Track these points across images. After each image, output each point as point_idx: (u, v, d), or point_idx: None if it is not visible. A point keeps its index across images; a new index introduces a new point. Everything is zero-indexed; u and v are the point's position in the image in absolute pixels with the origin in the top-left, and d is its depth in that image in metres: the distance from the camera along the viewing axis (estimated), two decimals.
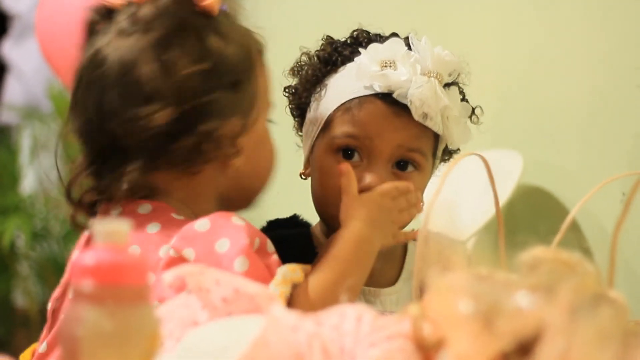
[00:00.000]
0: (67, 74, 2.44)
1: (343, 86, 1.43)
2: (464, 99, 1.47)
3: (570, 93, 1.84)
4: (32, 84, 3.35)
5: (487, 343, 0.82)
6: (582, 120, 1.82)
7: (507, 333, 0.82)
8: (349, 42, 1.47)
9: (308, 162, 1.48)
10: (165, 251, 1.22)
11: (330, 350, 0.87)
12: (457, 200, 1.00)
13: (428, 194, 1.42)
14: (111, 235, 0.82)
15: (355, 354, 0.87)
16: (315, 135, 1.45)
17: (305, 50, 1.50)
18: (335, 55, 1.46)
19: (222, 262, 1.19)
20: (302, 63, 1.50)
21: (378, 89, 1.39)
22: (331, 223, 1.42)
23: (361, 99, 1.40)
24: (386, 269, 1.46)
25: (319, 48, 1.49)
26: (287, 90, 1.51)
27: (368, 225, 1.35)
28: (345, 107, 1.41)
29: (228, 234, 1.22)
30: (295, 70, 1.50)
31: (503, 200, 1.76)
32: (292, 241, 1.42)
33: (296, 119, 1.51)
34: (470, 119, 1.48)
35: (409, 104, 1.37)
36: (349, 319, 0.90)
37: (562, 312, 0.82)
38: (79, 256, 0.82)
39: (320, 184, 1.44)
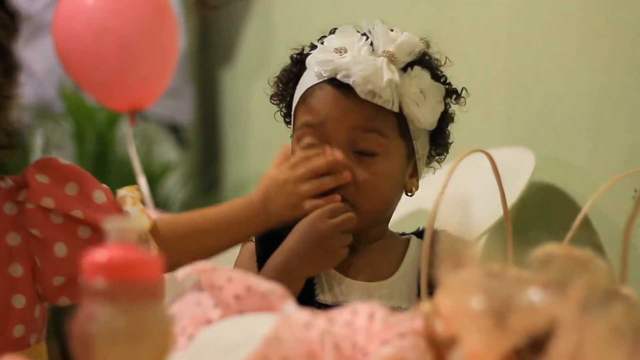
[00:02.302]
0: (81, 75, 2.47)
1: (304, 80, 1.46)
2: (439, 81, 1.46)
3: (582, 90, 1.84)
4: (44, 84, 3.35)
5: (500, 339, 0.81)
6: (594, 117, 1.81)
7: (519, 329, 0.82)
8: (318, 39, 1.50)
9: None
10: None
11: (342, 347, 0.87)
12: (469, 197, 1.00)
13: (434, 190, 1.42)
14: (123, 233, 0.82)
15: (368, 350, 0.87)
16: (292, 133, 1.49)
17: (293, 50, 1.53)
18: (303, 53, 1.50)
19: None
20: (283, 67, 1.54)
21: (325, 75, 1.42)
22: None
23: (314, 87, 1.44)
24: (384, 264, 1.47)
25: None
26: (272, 99, 1.54)
27: (261, 200, 1.44)
28: (302, 99, 1.45)
29: None
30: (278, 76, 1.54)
31: (515, 197, 1.76)
32: (283, 234, 1.44)
33: (287, 124, 1.55)
34: (451, 101, 1.48)
35: (352, 83, 1.39)
36: (362, 316, 0.90)
37: (575, 308, 0.82)
38: (91, 253, 0.82)
39: None
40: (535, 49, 1.97)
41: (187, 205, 3.67)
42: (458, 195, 0.94)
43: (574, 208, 1.81)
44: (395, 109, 1.41)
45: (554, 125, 1.89)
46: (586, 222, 1.73)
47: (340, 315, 0.90)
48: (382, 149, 1.42)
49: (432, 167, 1.52)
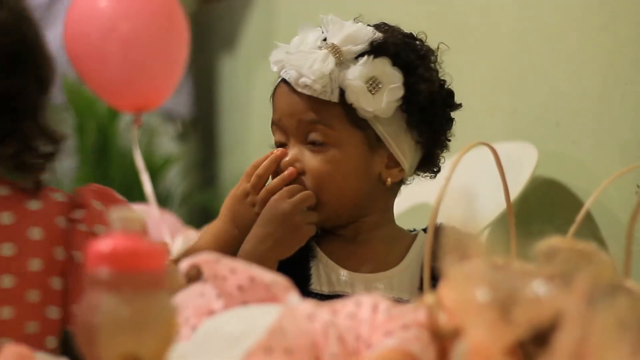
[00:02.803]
0: (89, 74, 2.48)
1: None
2: (410, 67, 1.45)
3: (585, 84, 1.83)
4: None
5: (504, 331, 0.81)
6: (597, 111, 1.81)
7: (524, 321, 0.82)
8: None
9: None
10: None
11: (346, 339, 0.87)
12: (472, 190, 1.00)
13: (437, 184, 1.42)
14: (127, 222, 0.82)
15: (371, 342, 0.87)
16: None
17: None
18: None
19: None
20: None
21: (276, 72, 1.47)
22: None
23: (276, 87, 1.49)
24: (387, 255, 1.47)
25: None
26: None
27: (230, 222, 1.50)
28: (272, 99, 1.51)
29: None
30: None
31: (517, 192, 1.76)
32: None
33: None
34: (420, 84, 1.45)
35: (287, 78, 1.44)
36: (365, 307, 0.90)
37: (579, 300, 0.82)
38: (95, 243, 0.82)
39: None
40: (539, 44, 1.96)
41: (187, 199, 3.67)
42: (462, 187, 0.94)
43: (577, 203, 1.81)
44: (335, 99, 1.42)
45: (558, 119, 1.89)
46: (588, 216, 1.73)
47: (344, 307, 0.91)
48: (329, 139, 1.44)
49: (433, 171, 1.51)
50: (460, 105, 1.49)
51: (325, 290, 1.44)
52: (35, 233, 1.25)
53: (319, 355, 0.85)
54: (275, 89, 1.49)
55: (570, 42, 1.88)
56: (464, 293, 0.84)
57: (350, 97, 1.41)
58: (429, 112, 1.46)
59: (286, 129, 1.46)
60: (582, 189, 1.82)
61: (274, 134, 1.49)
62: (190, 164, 3.85)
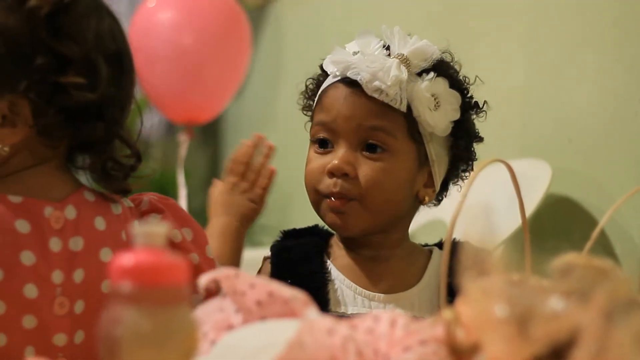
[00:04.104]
0: (146, 86, 2.50)
1: (322, 85, 1.50)
2: (459, 92, 1.47)
3: (598, 101, 1.84)
4: None
5: (522, 347, 0.82)
6: (610, 128, 1.81)
7: (541, 337, 0.82)
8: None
9: None
10: None
11: (364, 354, 0.88)
12: (487, 206, 1.00)
13: (452, 200, 1.43)
14: (149, 237, 0.83)
15: (389, 357, 0.88)
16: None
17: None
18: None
19: None
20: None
21: (337, 74, 1.45)
22: (314, 209, 1.51)
23: (328, 87, 1.47)
24: (407, 274, 1.47)
25: None
26: (303, 110, 1.57)
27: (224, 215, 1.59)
28: (318, 100, 1.49)
29: None
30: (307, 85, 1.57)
31: (531, 209, 1.76)
32: (297, 250, 1.45)
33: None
34: (472, 113, 1.49)
35: (359, 80, 1.41)
36: (383, 322, 0.91)
37: (597, 316, 0.82)
38: (118, 257, 0.83)
39: (305, 174, 1.50)
40: (551, 60, 1.97)
41: (198, 215, 3.68)
42: (479, 203, 0.94)
43: (590, 220, 1.81)
44: (403, 109, 1.42)
45: (570, 136, 1.90)
46: (602, 234, 1.74)
47: (362, 322, 0.91)
48: (388, 147, 1.44)
49: (458, 184, 1.52)
50: (481, 138, 1.51)
51: (344, 310, 1.44)
52: (124, 236, 1.27)
53: None
54: (326, 89, 1.47)
55: (583, 58, 1.89)
56: (481, 309, 0.84)
57: (417, 110, 1.42)
58: (471, 140, 1.48)
59: (339, 130, 1.45)
60: (596, 207, 1.82)
61: (316, 133, 1.47)
62: (202, 180, 3.86)
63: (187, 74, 2.45)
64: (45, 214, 1.22)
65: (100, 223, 1.26)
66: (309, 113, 1.54)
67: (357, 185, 1.43)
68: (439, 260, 1.49)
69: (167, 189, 2.72)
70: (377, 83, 1.40)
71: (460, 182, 1.50)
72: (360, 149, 1.44)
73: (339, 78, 1.45)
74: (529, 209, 1.75)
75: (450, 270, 1.00)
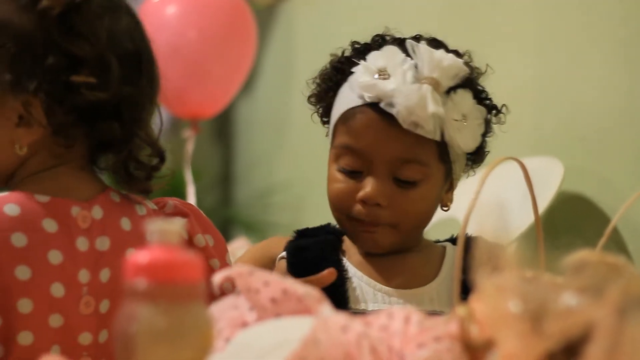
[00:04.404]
0: None
1: (344, 96, 1.45)
2: (482, 101, 1.46)
3: (610, 99, 1.84)
4: None
5: (536, 343, 0.82)
6: (623, 126, 1.81)
7: (555, 333, 0.82)
8: (360, 48, 1.49)
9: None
10: None
11: (378, 350, 0.88)
12: (500, 204, 1.01)
13: (464, 198, 1.43)
14: (164, 234, 0.83)
15: (404, 354, 0.88)
16: (330, 144, 1.49)
17: (332, 56, 1.52)
18: (344, 63, 1.47)
19: None
20: (323, 70, 1.53)
21: (368, 99, 1.40)
22: (339, 224, 1.49)
23: (356, 109, 1.42)
24: (423, 270, 1.48)
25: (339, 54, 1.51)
26: (310, 100, 1.54)
27: None
28: (344, 118, 1.44)
29: None
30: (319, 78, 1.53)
31: (544, 207, 1.76)
32: (313, 248, 1.45)
33: (325, 125, 1.54)
34: (492, 119, 1.48)
35: (395, 114, 1.38)
36: (398, 319, 0.91)
37: (610, 312, 0.82)
38: (133, 255, 0.83)
39: (328, 190, 1.48)
40: (563, 58, 1.97)
41: (210, 214, 3.69)
42: (493, 200, 0.94)
43: (602, 217, 1.81)
44: (437, 138, 1.40)
45: (582, 134, 1.90)
46: (615, 231, 1.74)
47: (377, 319, 0.91)
48: (423, 177, 1.43)
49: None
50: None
51: (365, 308, 1.44)
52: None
53: None
54: (354, 112, 1.42)
55: (594, 56, 1.89)
56: (495, 305, 0.84)
57: (449, 135, 1.40)
58: (484, 145, 1.48)
59: (370, 159, 1.42)
60: (608, 204, 1.82)
61: (340, 157, 1.44)
62: (214, 180, 3.87)
63: (191, 69, 2.45)
64: (73, 213, 1.23)
65: (126, 224, 1.27)
66: (318, 106, 1.53)
67: (390, 214, 1.43)
68: (453, 255, 1.49)
69: (175, 186, 2.73)
70: (414, 119, 1.37)
71: (470, 179, 1.51)
72: (392, 177, 1.42)
73: (367, 102, 1.41)
74: (541, 207, 1.75)
75: (464, 266, 1.00)
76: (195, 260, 0.83)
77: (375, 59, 1.42)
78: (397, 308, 0.93)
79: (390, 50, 1.42)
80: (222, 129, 3.93)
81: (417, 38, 1.47)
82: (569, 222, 1.91)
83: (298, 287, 0.95)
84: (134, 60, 1.26)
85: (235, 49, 2.56)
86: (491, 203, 0.92)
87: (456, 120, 1.40)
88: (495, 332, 0.85)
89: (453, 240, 1.52)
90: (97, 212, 1.25)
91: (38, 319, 1.18)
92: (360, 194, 1.42)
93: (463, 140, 1.41)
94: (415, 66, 1.40)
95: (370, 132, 1.41)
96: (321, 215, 1.57)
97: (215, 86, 2.54)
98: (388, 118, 1.39)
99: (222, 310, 0.98)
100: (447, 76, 1.40)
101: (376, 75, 1.40)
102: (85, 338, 1.22)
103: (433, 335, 0.89)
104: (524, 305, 0.83)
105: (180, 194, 2.57)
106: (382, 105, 1.39)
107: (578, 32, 1.94)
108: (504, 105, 1.48)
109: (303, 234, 1.53)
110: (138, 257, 0.83)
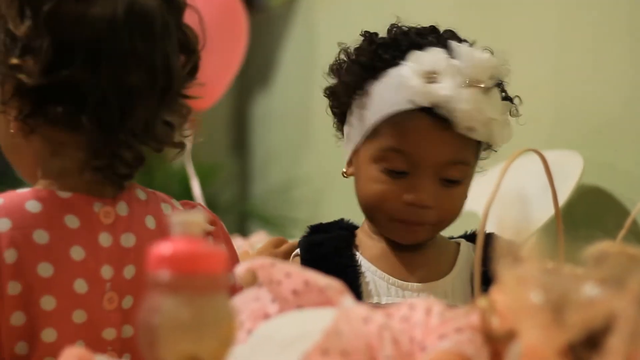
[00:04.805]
0: None
1: (387, 97, 1.42)
2: (505, 97, 1.47)
3: (629, 92, 1.84)
4: None
5: (557, 334, 0.82)
6: None
7: (576, 324, 0.82)
8: (388, 43, 1.47)
9: (351, 163, 1.51)
10: None
11: (400, 341, 0.88)
12: (521, 195, 1.01)
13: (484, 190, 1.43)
14: (187, 226, 0.84)
15: (425, 344, 0.88)
16: (361, 142, 1.46)
17: (343, 46, 1.51)
18: (375, 60, 1.45)
19: None
20: (341, 62, 1.51)
21: (423, 104, 1.39)
22: (373, 222, 1.49)
23: (406, 113, 1.40)
24: (438, 265, 1.49)
25: (358, 46, 1.50)
26: (327, 91, 1.53)
27: None
28: (391, 120, 1.42)
29: None
30: (335, 70, 1.52)
31: (563, 200, 1.76)
32: (327, 244, 1.46)
33: (336, 119, 1.53)
34: (510, 113, 1.48)
35: (454, 119, 1.38)
36: (419, 311, 0.91)
37: (632, 303, 0.82)
38: (156, 246, 0.84)
39: (364, 190, 1.46)
40: (582, 52, 1.97)
41: (230, 208, 3.70)
42: (514, 192, 0.95)
43: (622, 211, 1.81)
44: (485, 139, 1.43)
45: (601, 127, 1.89)
46: (634, 223, 1.73)
47: (398, 310, 0.92)
48: (465, 176, 1.45)
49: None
50: None
51: (377, 301, 1.44)
52: None
53: (374, 357, 0.86)
54: (404, 116, 1.40)
55: (613, 49, 1.88)
56: (517, 296, 0.85)
57: (495, 134, 1.42)
58: None
59: (417, 160, 1.41)
60: (627, 197, 1.82)
61: (386, 160, 1.43)
62: (233, 173, 3.88)
63: None
64: (95, 209, 1.23)
65: (150, 222, 1.27)
66: (334, 100, 1.51)
67: (435, 213, 1.44)
68: (467, 251, 1.50)
69: (180, 180, 2.73)
70: (471, 123, 1.39)
71: (488, 172, 1.51)
72: (438, 178, 1.43)
73: (420, 106, 1.40)
74: (561, 200, 1.74)
75: (483, 259, 1.01)
76: (217, 252, 0.84)
77: (419, 60, 1.41)
78: (418, 299, 0.94)
79: (435, 52, 1.42)
80: (240, 124, 3.94)
81: (450, 33, 1.48)
82: (588, 215, 1.91)
83: (320, 278, 0.96)
84: (90, 48, 1.19)
85: (227, 40, 2.55)
86: (512, 195, 0.93)
87: (496, 118, 1.41)
88: (516, 323, 0.85)
89: (467, 237, 1.53)
90: (122, 209, 1.25)
91: (61, 316, 1.18)
92: (410, 197, 1.42)
93: (503, 137, 1.44)
94: (460, 68, 1.40)
95: (423, 137, 1.41)
96: (340, 209, 1.58)
97: (208, 79, 2.54)
98: (440, 122, 1.39)
99: (243, 302, 0.99)
100: (488, 77, 1.41)
101: (425, 79, 1.39)
102: (109, 333, 1.22)
103: (454, 327, 0.89)
104: (546, 296, 0.83)
105: (185, 187, 2.57)
106: (439, 111, 1.39)
107: (597, 26, 1.93)
108: (517, 96, 1.48)
109: (316, 230, 1.53)
110: (161, 248, 0.83)
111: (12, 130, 1.23)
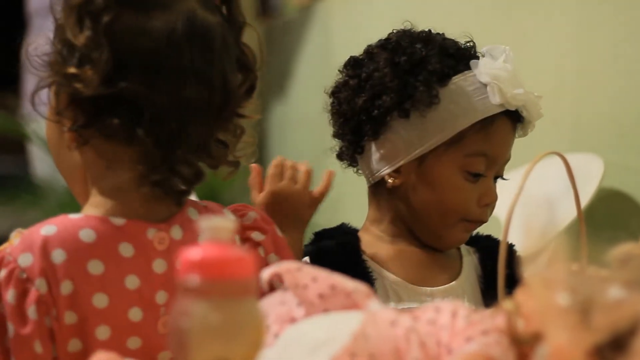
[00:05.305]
0: None
1: (473, 103, 1.44)
2: None
3: None
4: None
5: (584, 336, 0.83)
6: None
7: (603, 326, 0.83)
8: (453, 52, 1.48)
9: (399, 172, 1.48)
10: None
11: (427, 344, 0.89)
12: (544, 199, 1.02)
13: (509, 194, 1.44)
14: (216, 231, 0.85)
15: (452, 347, 0.89)
16: (427, 149, 1.46)
17: (371, 49, 1.51)
18: (445, 68, 1.45)
19: None
20: (381, 70, 1.47)
21: (511, 107, 1.44)
22: (425, 227, 1.49)
23: (494, 118, 1.45)
24: (447, 269, 1.51)
25: (412, 52, 1.47)
26: (355, 105, 1.50)
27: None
28: (479, 125, 1.45)
29: None
30: (377, 78, 1.48)
31: (584, 203, 1.75)
32: (337, 251, 1.46)
33: (368, 125, 1.49)
34: None
35: (531, 119, 1.47)
36: (445, 314, 0.92)
37: None
38: (185, 251, 0.85)
39: (440, 199, 1.47)
40: (602, 53, 1.97)
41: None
42: (537, 196, 0.95)
43: None
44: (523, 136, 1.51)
45: (622, 130, 1.89)
46: None
47: (424, 313, 0.92)
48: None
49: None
50: None
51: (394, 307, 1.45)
52: None
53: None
54: (493, 120, 1.45)
55: (634, 52, 1.88)
56: (543, 298, 0.85)
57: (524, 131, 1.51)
58: None
59: (495, 163, 1.48)
60: None
61: (473, 163, 1.46)
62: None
63: None
64: (149, 235, 1.21)
65: (176, 232, 1.24)
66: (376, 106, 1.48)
67: (490, 211, 1.50)
68: (468, 255, 1.54)
69: None
70: (534, 122, 1.48)
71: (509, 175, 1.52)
72: (493, 177, 1.50)
73: (504, 110, 1.46)
74: (582, 203, 1.74)
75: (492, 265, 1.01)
76: (247, 257, 0.84)
77: (490, 66, 1.45)
78: (443, 302, 0.94)
79: (490, 59, 1.47)
80: (256, 128, 3.95)
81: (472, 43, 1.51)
82: (609, 218, 1.90)
83: (346, 282, 0.96)
84: (147, 60, 1.18)
85: None
86: (536, 199, 0.93)
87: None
88: (543, 325, 0.86)
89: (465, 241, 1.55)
90: (176, 233, 1.23)
91: (116, 343, 1.17)
92: (488, 198, 1.48)
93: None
94: (514, 72, 1.46)
95: (506, 139, 1.48)
96: (357, 215, 1.58)
97: None
98: (514, 123, 1.48)
99: (270, 306, 0.99)
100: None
101: (504, 84, 1.44)
102: (164, 356, 1.20)
103: (481, 329, 0.89)
104: (572, 298, 0.83)
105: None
106: (523, 114, 1.47)
107: (617, 27, 1.93)
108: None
109: (321, 236, 1.53)
110: (191, 254, 0.84)
111: (66, 142, 1.22)
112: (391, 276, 1.46)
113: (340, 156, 1.55)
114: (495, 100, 1.43)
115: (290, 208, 1.52)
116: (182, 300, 0.84)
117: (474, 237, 1.54)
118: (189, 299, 0.83)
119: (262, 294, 1.02)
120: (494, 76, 1.43)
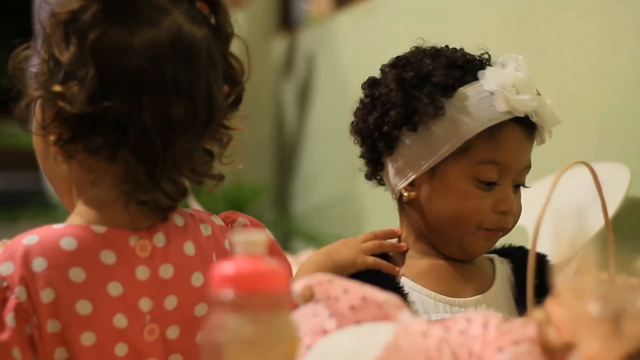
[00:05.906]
0: None
1: (480, 111, 1.44)
2: None
3: None
4: None
5: (616, 345, 0.83)
6: None
7: (635, 335, 0.83)
8: (461, 64, 1.47)
9: (414, 184, 1.48)
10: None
11: (459, 355, 0.90)
12: (571, 209, 1.02)
13: (532, 203, 1.44)
14: (249, 246, 0.86)
15: (484, 357, 0.90)
16: (436, 161, 1.46)
17: (384, 67, 1.51)
18: (451, 80, 1.46)
19: None
20: (388, 86, 1.48)
21: (519, 114, 1.43)
22: (445, 238, 1.48)
23: (501, 125, 1.44)
24: (479, 280, 1.50)
25: (417, 66, 1.48)
26: (370, 123, 1.50)
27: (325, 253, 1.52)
28: (487, 133, 1.44)
29: None
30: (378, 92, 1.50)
31: (611, 213, 1.75)
32: (367, 270, 1.48)
33: (382, 142, 1.50)
34: None
35: (543, 127, 1.46)
36: (476, 324, 0.92)
37: None
38: (219, 266, 0.86)
39: (454, 208, 1.46)
40: (626, 63, 1.96)
41: (272, 227, 3.72)
42: (565, 206, 0.96)
43: None
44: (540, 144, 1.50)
45: None
46: None
47: (455, 324, 0.93)
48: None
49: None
50: None
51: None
52: (214, 257, 1.26)
53: None
54: (501, 127, 1.45)
55: None
56: (575, 307, 0.86)
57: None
58: None
59: (511, 171, 1.46)
60: None
61: (483, 171, 1.45)
62: (276, 194, 3.90)
63: None
64: (131, 243, 1.21)
65: (189, 248, 1.25)
66: (389, 120, 1.48)
67: (512, 219, 1.48)
68: (502, 266, 1.52)
69: None
70: (550, 129, 1.47)
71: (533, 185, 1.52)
72: (513, 185, 1.48)
73: (513, 117, 1.44)
74: (609, 213, 1.74)
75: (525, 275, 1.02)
76: (279, 270, 0.85)
77: (498, 76, 1.45)
78: (475, 312, 0.95)
79: (507, 66, 1.47)
80: (279, 143, 3.96)
81: (486, 56, 1.51)
82: (636, 227, 1.90)
83: (377, 294, 0.97)
84: (134, 79, 1.18)
85: None
86: (566, 208, 0.94)
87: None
88: (575, 334, 0.86)
89: (497, 252, 1.55)
90: (159, 240, 1.23)
91: (103, 350, 1.18)
92: (504, 205, 1.45)
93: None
94: (526, 79, 1.45)
95: (516, 146, 1.46)
96: (382, 226, 1.58)
97: None
98: (527, 130, 1.46)
99: (302, 319, 1.00)
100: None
101: (514, 91, 1.44)
102: None
103: (512, 339, 0.90)
104: (604, 307, 0.84)
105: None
106: (534, 119, 1.45)
107: None
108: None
109: None
110: (224, 268, 0.85)
111: (52, 155, 1.22)
112: (424, 290, 1.46)
113: (367, 176, 1.56)
114: (500, 108, 1.42)
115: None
116: (216, 314, 0.85)
117: (507, 248, 1.54)
118: (223, 313, 0.84)
119: (294, 306, 1.03)
120: (499, 84, 1.43)
